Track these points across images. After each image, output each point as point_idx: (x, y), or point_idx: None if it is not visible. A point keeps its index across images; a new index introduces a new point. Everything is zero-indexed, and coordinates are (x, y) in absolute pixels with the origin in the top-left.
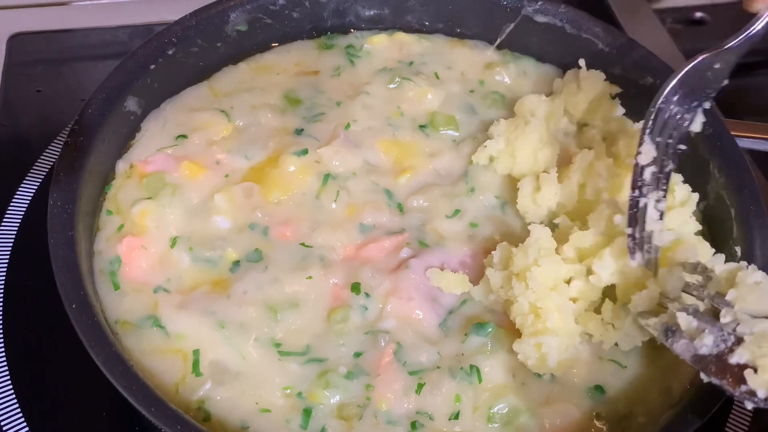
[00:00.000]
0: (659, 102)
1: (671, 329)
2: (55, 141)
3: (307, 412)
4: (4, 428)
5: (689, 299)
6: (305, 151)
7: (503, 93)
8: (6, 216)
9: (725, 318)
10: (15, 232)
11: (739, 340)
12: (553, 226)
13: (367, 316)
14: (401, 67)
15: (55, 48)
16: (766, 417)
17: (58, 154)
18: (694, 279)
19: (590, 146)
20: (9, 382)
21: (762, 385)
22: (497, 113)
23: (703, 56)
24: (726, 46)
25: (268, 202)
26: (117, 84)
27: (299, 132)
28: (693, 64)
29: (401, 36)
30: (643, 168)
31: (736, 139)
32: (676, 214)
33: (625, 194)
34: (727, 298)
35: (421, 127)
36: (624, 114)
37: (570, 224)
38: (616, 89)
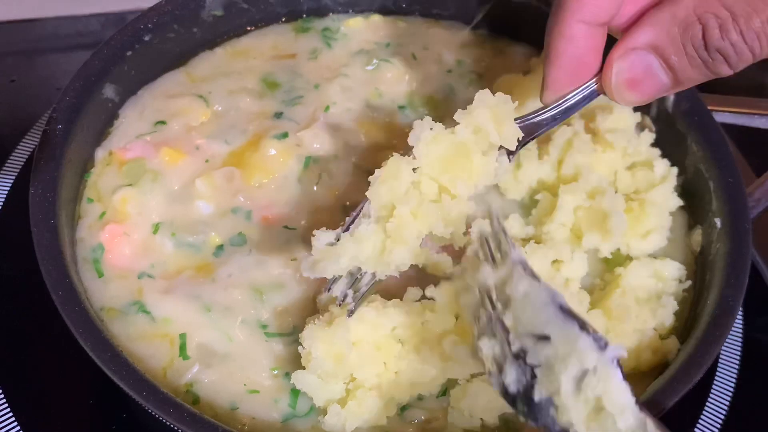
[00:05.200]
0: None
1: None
2: (30, 132)
3: (295, 392)
4: None
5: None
6: (285, 135)
7: (481, 72)
8: None
9: (514, 346)
10: None
11: (533, 373)
12: (533, 202)
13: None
14: (378, 48)
15: (27, 38)
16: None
17: (35, 143)
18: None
19: (568, 123)
20: None
21: (570, 425)
22: (475, 93)
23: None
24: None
25: (249, 186)
26: (94, 71)
27: (278, 115)
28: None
29: (377, 18)
30: None
31: (712, 113)
32: (659, 191)
33: (604, 169)
34: (506, 322)
35: (401, 108)
36: None
37: (552, 199)
38: None
